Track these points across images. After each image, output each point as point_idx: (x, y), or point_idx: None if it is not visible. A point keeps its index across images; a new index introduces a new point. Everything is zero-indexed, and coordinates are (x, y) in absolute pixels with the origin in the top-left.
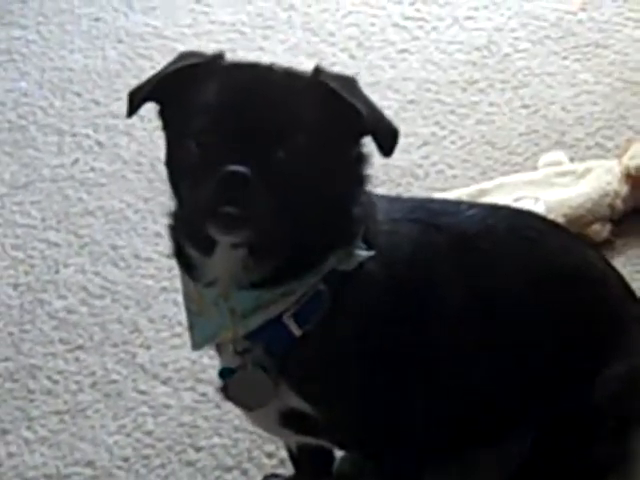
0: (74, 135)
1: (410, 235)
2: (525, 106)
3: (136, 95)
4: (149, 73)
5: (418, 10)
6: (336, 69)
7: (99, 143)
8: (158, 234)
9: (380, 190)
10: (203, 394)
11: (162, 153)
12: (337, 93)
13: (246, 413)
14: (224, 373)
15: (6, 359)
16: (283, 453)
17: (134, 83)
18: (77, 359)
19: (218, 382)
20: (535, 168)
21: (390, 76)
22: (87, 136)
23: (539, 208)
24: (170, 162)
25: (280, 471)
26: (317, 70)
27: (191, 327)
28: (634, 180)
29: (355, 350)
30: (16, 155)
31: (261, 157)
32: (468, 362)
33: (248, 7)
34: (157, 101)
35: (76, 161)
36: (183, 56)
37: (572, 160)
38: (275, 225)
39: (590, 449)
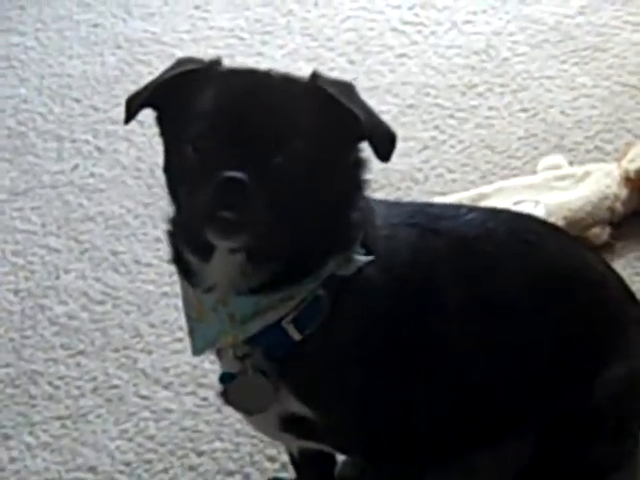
0: (73, 141)
1: (409, 240)
2: (524, 110)
3: (133, 101)
4: (148, 79)
5: (417, 15)
6: (335, 74)
7: (98, 149)
8: (158, 239)
9: (380, 194)
10: (204, 398)
11: (161, 159)
12: (335, 98)
13: (247, 418)
14: (224, 378)
15: (7, 365)
16: (285, 457)
17: (133, 89)
18: (78, 364)
19: (219, 387)
20: (534, 172)
21: (389, 81)
22: (86, 142)
23: (539, 211)
24: (168, 168)
25: (282, 475)
26: (314, 75)
27: (191, 332)
28: (633, 183)
29: (354, 354)
30: (16, 161)
31: (259, 162)
32: (467, 364)
33: (247, 13)
34: (154, 107)
35: (76, 167)
36: (180, 62)
37: (571, 164)
38: (273, 230)
39: (590, 450)
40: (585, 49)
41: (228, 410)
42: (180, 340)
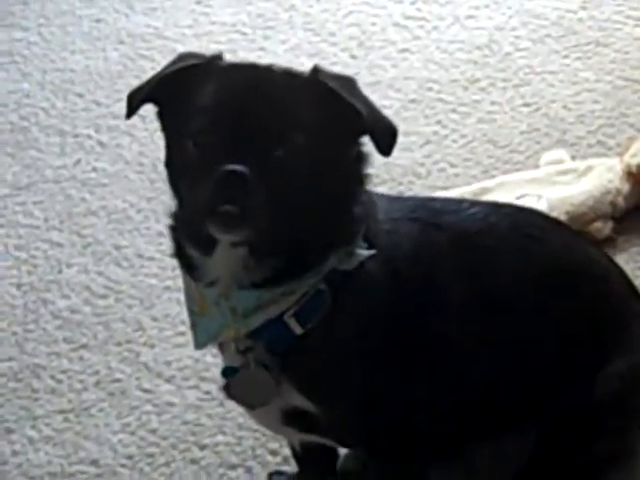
0: (76, 136)
1: (411, 234)
2: (526, 104)
3: (135, 96)
4: (150, 74)
5: (419, 9)
6: (337, 69)
7: (101, 144)
8: (161, 233)
9: (382, 189)
10: (207, 392)
11: (163, 153)
12: (336, 92)
13: (249, 412)
14: (227, 372)
15: (10, 359)
16: (287, 451)
17: (135, 84)
18: (81, 358)
19: (221, 380)
20: (537, 166)
21: (391, 75)
22: (89, 137)
23: (541, 206)
24: (169, 163)
25: (284, 468)
26: (315, 70)
27: (193, 326)
28: (635, 178)
29: (356, 348)
30: (18, 156)
31: (260, 156)
32: (470, 359)
33: (249, 8)
34: (156, 102)
35: (78, 162)
36: (182, 57)
37: (574, 158)
38: (274, 224)
39: (592, 445)
40: (587, 44)
41: (230, 404)
42: (182, 334)
